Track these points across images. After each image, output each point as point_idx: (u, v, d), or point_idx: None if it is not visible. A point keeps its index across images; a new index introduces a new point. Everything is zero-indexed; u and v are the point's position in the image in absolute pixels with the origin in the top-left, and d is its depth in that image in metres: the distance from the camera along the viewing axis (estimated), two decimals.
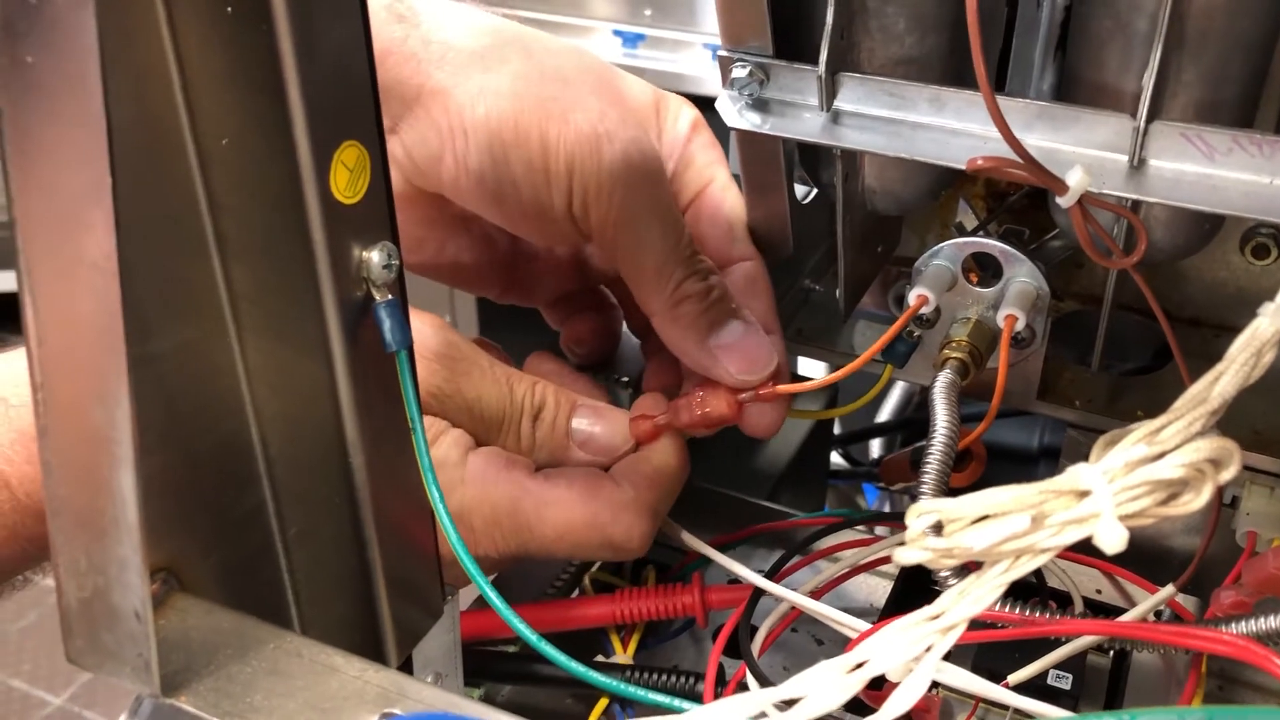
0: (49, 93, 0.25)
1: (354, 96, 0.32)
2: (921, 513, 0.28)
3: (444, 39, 0.46)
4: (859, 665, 0.28)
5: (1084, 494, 0.28)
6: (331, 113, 0.31)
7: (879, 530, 0.60)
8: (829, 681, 0.28)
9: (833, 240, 0.57)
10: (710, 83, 1.65)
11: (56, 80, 0.25)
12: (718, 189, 0.53)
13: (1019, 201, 0.56)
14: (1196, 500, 0.28)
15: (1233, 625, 0.40)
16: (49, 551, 0.40)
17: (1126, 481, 0.28)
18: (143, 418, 0.28)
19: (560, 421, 0.48)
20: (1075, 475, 0.28)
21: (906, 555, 0.27)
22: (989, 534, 0.27)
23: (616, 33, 1.73)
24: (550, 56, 0.48)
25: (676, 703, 0.39)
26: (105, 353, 0.27)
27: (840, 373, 0.49)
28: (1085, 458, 0.29)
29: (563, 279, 0.57)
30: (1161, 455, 0.28)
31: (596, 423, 0.49)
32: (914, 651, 0.28)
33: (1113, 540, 0.27)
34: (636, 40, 1.73)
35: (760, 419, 0.50)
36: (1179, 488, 0.28)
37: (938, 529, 0.28)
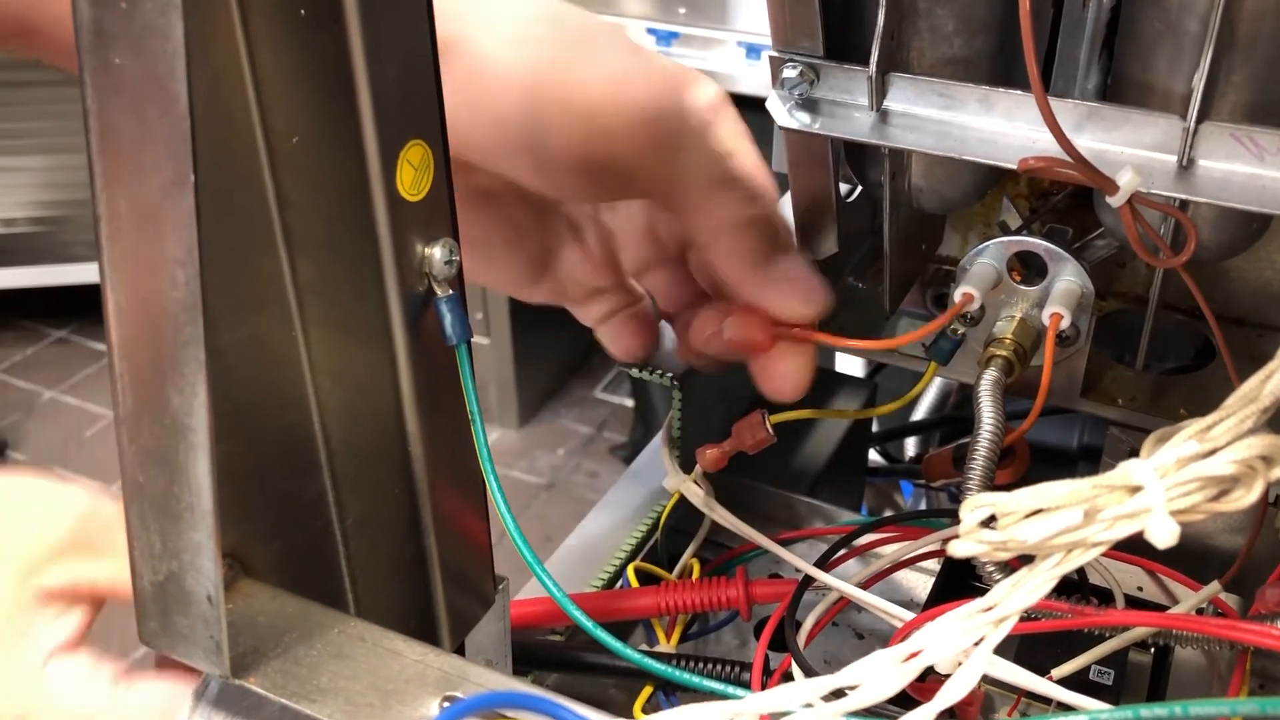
0: (135, 93, 0.26)
1: (420, 96, 0.33)
2: (975, 506, 0.28)
3: None
4: (912, 655, 0.29)
5: (1136, 489, 0.28)
6: (399, 112, 0.32)
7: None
8: (882, 671, 0.28)
9: (876, 238, 0.57)
10: (744, 80, 1.66)
11: (143, 81, 0.26)
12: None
13: (1062, 201, 0.56)
14: (1248, 496, 0.29)
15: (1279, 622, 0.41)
16: None
17: (1178, 477, 0.28)
18: (212, 407, 0.29)
19: None
20: (1127, 470, 0.28)
21: (961, 548, 0.28)
22: (1043, 527, 0.28)
23: (650, 30, 1.74)
24: (572, 14, 0.47)
25: (729, 690, 0.40)
26: (184, 343, 0.28)
27: (897, 339, 0.50)
28: (1127, 456, 0.29)
29: (594, 273, 0.56)
30: (1213, 452, 0.29)
31: None
32: (967, 642, 0.28)
33: (1164, 535, 0.28)
34: (670, 38, 1.74)
35: (785, 365, 0.49)
36: (1230, 484, 0.29)
37: (991, 522, 0.28)
